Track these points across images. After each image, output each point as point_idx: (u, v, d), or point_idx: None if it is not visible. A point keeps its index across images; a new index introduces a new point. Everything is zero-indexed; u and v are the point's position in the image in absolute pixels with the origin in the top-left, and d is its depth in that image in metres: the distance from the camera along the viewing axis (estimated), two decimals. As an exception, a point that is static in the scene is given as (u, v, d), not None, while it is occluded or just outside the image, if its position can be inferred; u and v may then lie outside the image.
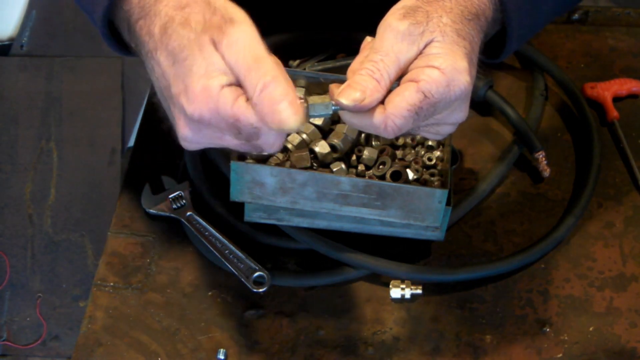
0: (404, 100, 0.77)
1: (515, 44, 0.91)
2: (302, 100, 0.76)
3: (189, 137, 0.79)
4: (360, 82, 0.77)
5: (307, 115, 0.77)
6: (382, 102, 0.78)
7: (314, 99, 0.78)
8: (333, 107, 0.78)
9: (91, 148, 2.32)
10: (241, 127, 0.75)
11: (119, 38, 0.88)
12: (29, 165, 2.28)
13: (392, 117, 0.77)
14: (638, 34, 1.28)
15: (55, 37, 2.53)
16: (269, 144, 0.78)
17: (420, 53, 0.79)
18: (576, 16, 1.30)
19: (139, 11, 0.80)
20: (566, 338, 0.99)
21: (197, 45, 0.74)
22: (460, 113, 0.82)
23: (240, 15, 0.76)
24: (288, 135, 0.92)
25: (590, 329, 0.99)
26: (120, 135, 2.34)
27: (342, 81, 0.99)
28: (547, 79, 1.21)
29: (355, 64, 0.82)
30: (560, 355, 0.97)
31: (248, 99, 0.75)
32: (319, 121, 0.98)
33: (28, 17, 2.56)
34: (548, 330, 0.99)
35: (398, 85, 0.79)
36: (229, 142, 0.78)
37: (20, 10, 2.58)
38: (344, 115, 0.79)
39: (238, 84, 0.75)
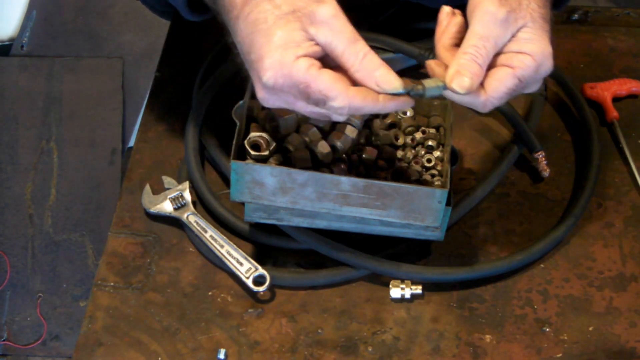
0: (503, 85, 0.85)
1: None
2: (420, 84, 0.83)
3: (265, 99, 0.85)
4: (468, 68, 0.83)
5: (423, 96, 0.84)
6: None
7: (427, 82, 0.84)
8: (444, 88, 0.84)
9: (91, 148, 2.32)
10: (311, 92, 0.81)
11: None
12: (29, 166, 2.28)
13: (491, 99, 0.85)
14: (638, 34, 1.28)
15: (55, 37, 2.53)
16: (336, 109, 0.83)
17: (513, 36, 0.85)
18: (576, 16, 1.30)
19: None
20: (566, 338, 0.99)
21: (283, 20, 0.81)
22: (536, 87, 0.89)
23: None
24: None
25: (590, 328, 1.00)
26: (120, 135, 2.34)
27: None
28: (547, 79, 1.21)
29: (446, 39, 0.87)
30: (560, 355, 0.98)
31: (332, 68, 0.82)
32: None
33: (28, 17, 2.56)
34: (548, 330, 0.99)
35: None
36: (300, 107, 0.84)
37: (20, 10, 2.58)
38: (448, 94, 0.85)
39: (314, 56, 0.82)
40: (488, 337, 0.99)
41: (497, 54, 0.86)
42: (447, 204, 0.94)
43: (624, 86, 1.20)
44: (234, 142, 0.93)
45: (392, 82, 0.82)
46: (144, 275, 1.04)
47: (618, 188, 1.12)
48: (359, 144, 0.99)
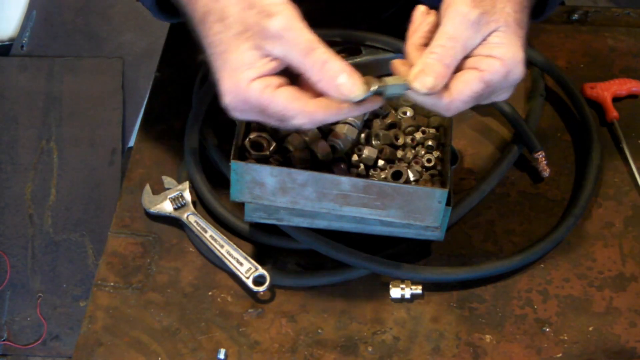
0: (469, 88, 0.82)
1: (554, 5, 0.96)
2: (380, 82, 0.81)
3: (235, 116, 0.84)
4: (433, 68, 0.81)
5: (383, 95, 0.82)
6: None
7: (389, 80, 0.82)
8: (406, 88, 0.82)
9: (91, 148, 2.32)
10: (269, 113, 0.81)
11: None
12: (29, 165, 2.28)
13: (456, 102, 0.82)
14: (638, 34, 1.28)
15: (55, 37, 2.54)
16: (298, 125, 0.82)
17: (484, 40, 0.83)
18: (576, 16, 1.30)
19: None
20: (566, 338, 0.99)
21: (235, 42, 0.80)
22: (506, 95, 0.87)
23: (277, 4, 0.79)
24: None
25: (590, 328, 1.00)
26: (120, 135, 2.34)
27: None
28: (547, 79, 1.21)
29: (416, 38, 0.85)
30: (559, 355, 0.98)
31: (280, 87, 0.80)
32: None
33: (28, 17, 2.56)
34: (548, 330, 0.99)
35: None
36: (267, 122, 0.84)
37: (20, 10, 2.58)
38: (411, 94, 0.83)
39: (271, 74, 0.80)
40: (488, 337, 0.99)
41: (467, 57, 0.83)
42: (447, 204, 0.93)
43: (624, 86, 1.20)
44: (234, 142, 0.93)
45: (354, 90, 0.79)
46: (144, 275, 1.04)
47: (618, 188, 1.12)
48: (359, 144, 0.99)
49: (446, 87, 0.82)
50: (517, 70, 0.83)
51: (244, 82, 0.79)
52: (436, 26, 0.84)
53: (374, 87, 0.81)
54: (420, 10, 0.87)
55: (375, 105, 0.83)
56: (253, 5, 0.79)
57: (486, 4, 0.82)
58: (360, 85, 0.79)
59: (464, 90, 0.82)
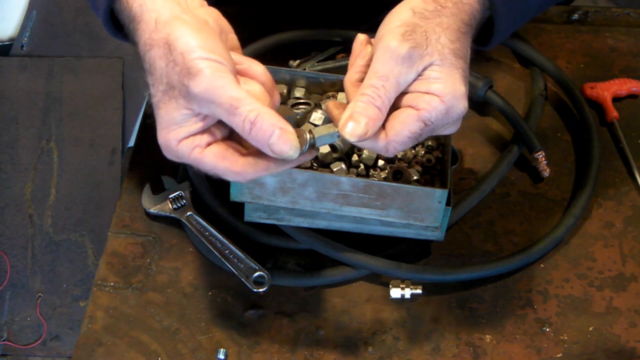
0: (406, 128, 0.79)
1: (502, 34, 0.91)
2: (310, 133, 0.79)
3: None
4: (363, 113, 0.77)
5: (314, 146, 0.80)
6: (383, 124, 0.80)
7: (319, 130, 0.80)
8: (337, 136, 0.80)
9: (91, 148, 2.32)
10: (203, 169, 0.80)
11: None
12: (29, 165, 2.28)
13: (393, 143, 0.79)
14: (638, 34, 1.28)
15: (55, 37, 2.54)
16: (232, 180, 0.81)
17: (420, 75, 0.79)
18: (576, 16, 1.30)
19: (128, 22, 0.84)
20: (566, 338, 0.99)
21: (163, 100, 0.79)
22: (453, 128, 0.84)
23: (200, 60, 0.76)
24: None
25: (590, 328, 1.00)
26: (120, 135, 2.34)
27: (341, 83, 0.99)
28: (547, 79, 1.21)
29: (352, 73, 0.82)
30: (559, 355, 0.98)
31: (210, 144, 0.79)
32: (319, 123, 0.98)
33: (28, 17, 2.56)
34: (548, 330, 0.99)
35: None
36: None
37: (20, 10, 2.58)
38: (346, 136, 0.79)
39: (202, 131, 0.79)
40: (488, 337, 0.99)
41: (404, 93, 0.79)
42: (447, 204, 0.94)
43: (624, 86, 1.20)
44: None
45: (288, 150, 0.75)
46: (144, 275, 1.04)
47: (618, 188, 1.12)
48: (359, 144, 0.99)
49: (383, 127, 0.79)
50: (459, 105, 0.79)
51: (173, 142, 0.79)
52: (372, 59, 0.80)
53: (306, 143, 0.78)
54: (359, 40, 0.83)
55: (307, 157, 0.81)
56: (176, 62, 0.77)
57: (418, 37, 0.78)
58: (293, 144, 0.76)
59: (401, 131, 0.78)
